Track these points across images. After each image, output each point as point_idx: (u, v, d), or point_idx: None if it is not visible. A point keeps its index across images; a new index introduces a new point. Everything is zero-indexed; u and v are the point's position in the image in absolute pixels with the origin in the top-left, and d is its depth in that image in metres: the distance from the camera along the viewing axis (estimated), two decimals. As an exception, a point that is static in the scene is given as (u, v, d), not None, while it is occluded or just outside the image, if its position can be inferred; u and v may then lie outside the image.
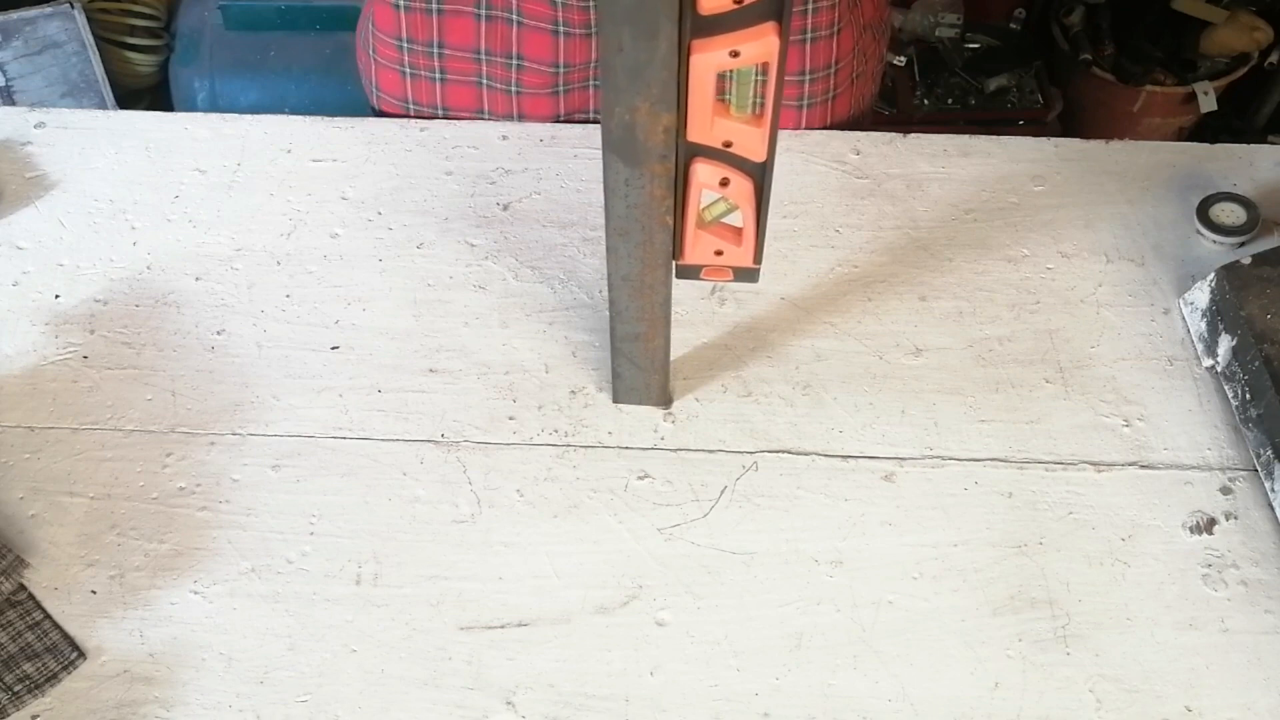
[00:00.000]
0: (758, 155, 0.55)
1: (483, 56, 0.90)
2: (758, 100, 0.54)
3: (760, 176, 0.57)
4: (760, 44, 0.50)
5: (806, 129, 0.93)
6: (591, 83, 0.92)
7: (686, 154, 0.56)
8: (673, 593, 0.67)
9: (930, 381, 0.76)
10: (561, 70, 0.90)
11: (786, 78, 0.89)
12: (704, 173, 0.56)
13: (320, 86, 1.78)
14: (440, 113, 0.94)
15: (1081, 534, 0.69)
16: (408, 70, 0.92)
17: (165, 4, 1.86)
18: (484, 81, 0.91)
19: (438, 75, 0.92)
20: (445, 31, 0.90)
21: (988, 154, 0.89)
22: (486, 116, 0.94)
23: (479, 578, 0.68)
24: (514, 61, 0.90)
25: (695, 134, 0.54)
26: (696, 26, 0.50)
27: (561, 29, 0.87)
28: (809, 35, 0.89)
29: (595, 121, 0.95)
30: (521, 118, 0.93)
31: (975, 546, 0.69)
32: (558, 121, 0.94)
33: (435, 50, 0.90)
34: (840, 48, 0.91)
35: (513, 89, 0.91)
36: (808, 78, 0.91)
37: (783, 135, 0.89)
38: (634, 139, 0.53)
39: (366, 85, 0.98)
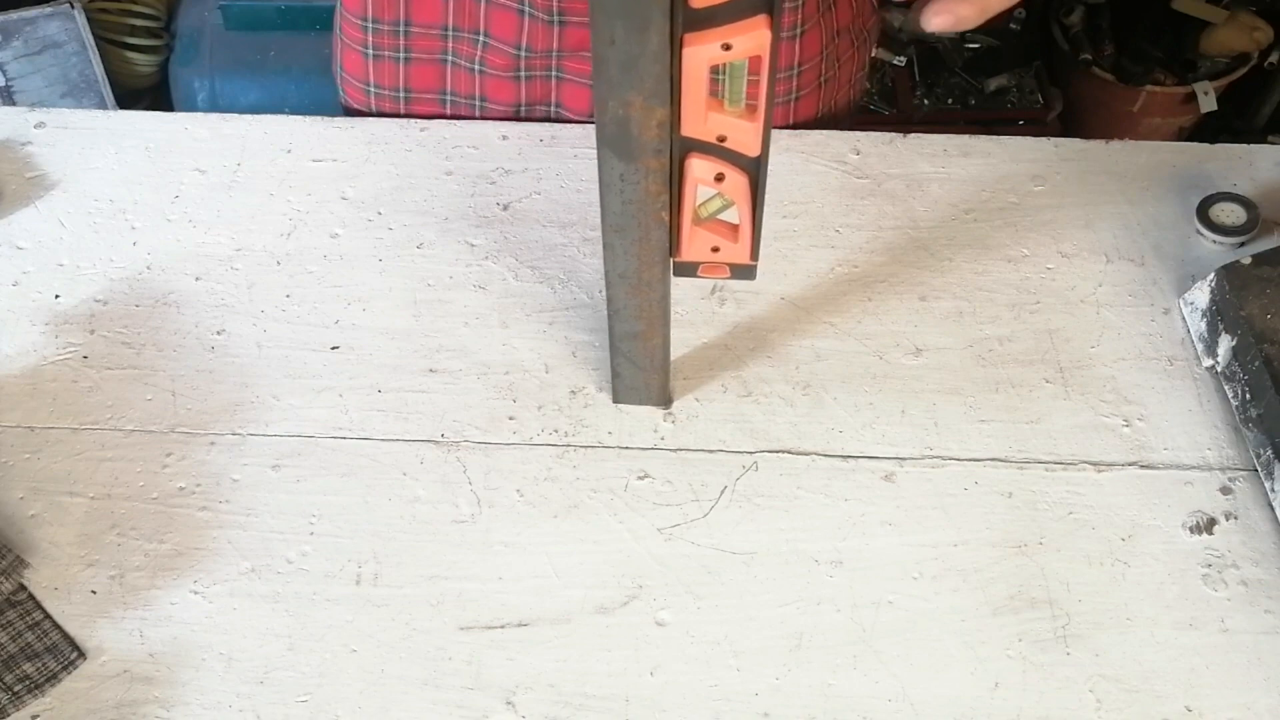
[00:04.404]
0: (752, 150, 0.55)
1: (450, 32, 0.90)
2: (744, 98, 0.54)
3: (755, 171, 0.57)
4: (752, 37, 0.50)
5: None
6: (554, 74, 0.92)
7: (681, 149, 0.56)
8: (673, 593, 0.67)
9: (930, 381, 0.76)
10: (524, 54, 0.90)
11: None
12: (698, 168, 0.56)
13: (320, 86, 1.78)
14: (401, 95, 0.94)
15: (1081, 534, 0.69)
16: (370, 51, 0.93)
17: (165, 4, 1.86)
18: (449, 59, 0.91)
19: (401, 55, 0.92)
20: (412, 10, 0.90)
21: (988, 154, 0.89)
22: (449, 97, 0.94)
23: (479, 578, 0.68)
24: (480, 38, 0.90)
25: (689, 129, 0.54)
26: (688, 20, 0.50)
27: (527, 9, 0.88)
28: None
29: (559, 120, 0.94)
30: (483, 99, 0.93)
31: (975, 546, 0.69)
32: (518, 110, 0.94)
33: (401, 29, 0.91)
34: (804, 50, 0.91)
35: (476, 67, 0.91)
36: None
37: (782, 135, 0.89)
38: (628, 134, 0.53)
39: (334, 68, 0.98)
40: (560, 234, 0.84)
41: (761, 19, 0.49)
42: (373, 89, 0.95)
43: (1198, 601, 0.67)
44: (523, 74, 0.91)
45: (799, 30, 0.90)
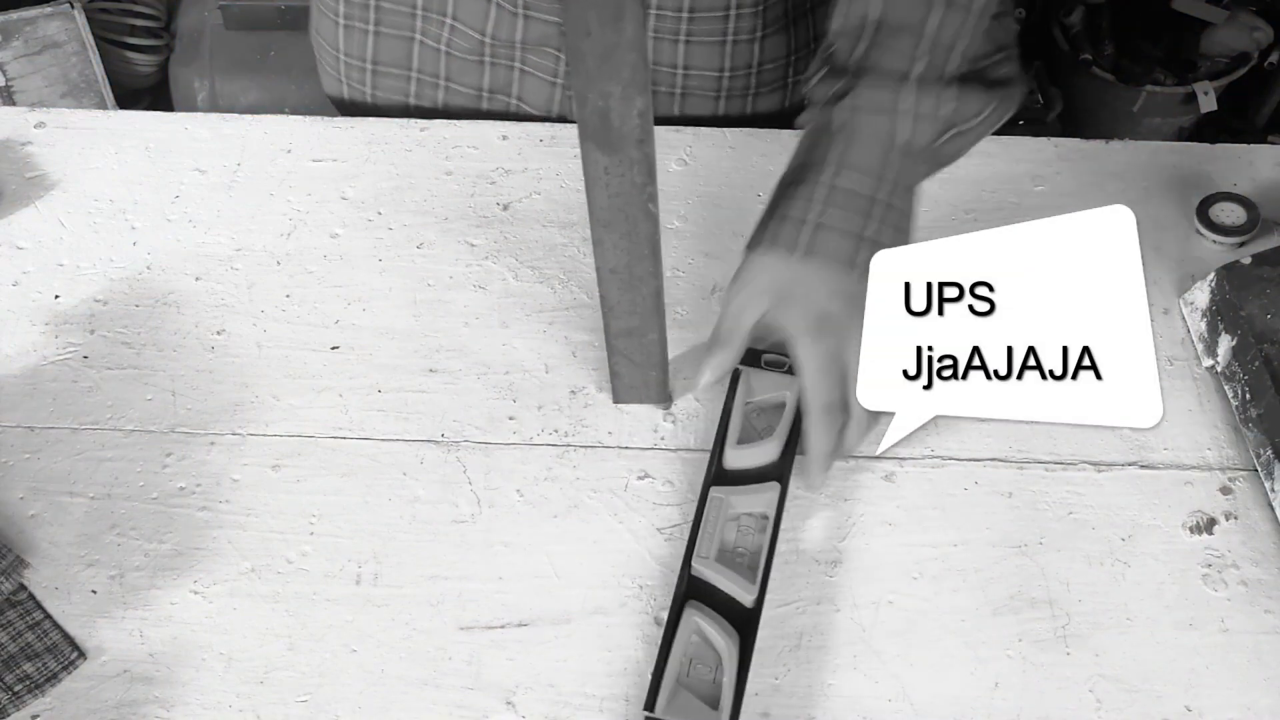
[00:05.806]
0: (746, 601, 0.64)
1: (419, 13, 0.91)
2: None
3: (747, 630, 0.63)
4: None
5: (725, 114, 0.95)
6: (517, 64, 0.92)
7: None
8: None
9: (930, 381, 0.76)
10: (489, 42, 0.90)
11: (703, 72, 0.92)
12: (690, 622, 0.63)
13: (320, 86, 1.78)
14: (369, 67, 0.95)
15: (1081, 534, 0.69)
16: (342, 20, 0.94)
17: (165, 4, 1.86)
18: (417, 37, 0.92)
19: (371, 26, 0.93)
20: None
21: (988, 154, 0.89)
22: (414, 74, 0.95)
23: (479, 578, 0.68)
24: (447, 20, 0.90)
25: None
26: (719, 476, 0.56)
27: None
28: (730, 39, 0.90)
29: (521, 115, 0.94)
30: (449, 80, 0.94)
31: (975, 546, 0.69)
32: (480, 94, 0.95)
33: (371, 2, 0.91)
34: (765, 52, 0.92)
35: (443, 48, 0.92)
36: (726, 75, 0.92)
37: (783, 135, 0.89)
38: (609, 125, 0.53)
39: (311, 33, 0.99)
40: (560, 234, 0.84)
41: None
42: (342, 57, 0.96)
43: (1198, 601, 0.67)
44: (488, 59, 0.92)
45: (758, 34, 0.90)
